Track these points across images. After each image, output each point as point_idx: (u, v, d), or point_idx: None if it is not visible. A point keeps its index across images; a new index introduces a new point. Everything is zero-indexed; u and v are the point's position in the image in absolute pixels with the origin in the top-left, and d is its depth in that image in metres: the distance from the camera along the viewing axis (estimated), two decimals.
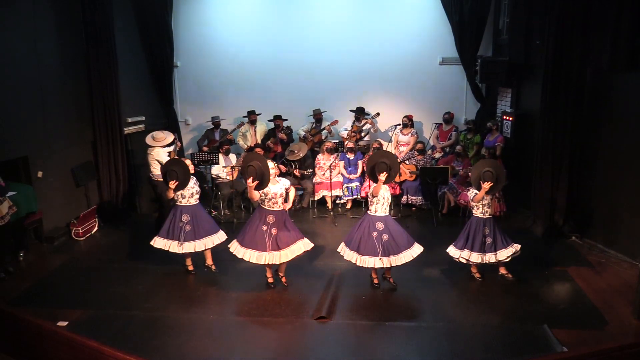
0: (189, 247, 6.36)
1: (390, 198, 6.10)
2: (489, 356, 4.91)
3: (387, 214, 6.08)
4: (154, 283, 6.49)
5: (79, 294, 6.20)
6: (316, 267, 6.66)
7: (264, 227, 5.97)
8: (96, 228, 8.33)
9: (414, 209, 9.21)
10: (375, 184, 5.98)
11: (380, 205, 6.00)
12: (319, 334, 5.36)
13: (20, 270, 6.79)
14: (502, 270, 6.35)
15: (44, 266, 7.01)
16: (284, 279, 6.30)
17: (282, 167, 8.86)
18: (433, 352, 5.02)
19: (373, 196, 5.99)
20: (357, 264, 6.05)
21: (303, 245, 6.11)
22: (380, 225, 5.97)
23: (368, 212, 6.09)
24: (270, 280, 6.27)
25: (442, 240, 7.02)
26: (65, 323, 5.41)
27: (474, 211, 6.23)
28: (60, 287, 6.41)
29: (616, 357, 4.67)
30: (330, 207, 9.23)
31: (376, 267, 6.00)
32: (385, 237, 5.93)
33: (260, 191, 5.92)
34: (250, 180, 5.77)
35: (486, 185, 5.92)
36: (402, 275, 6.31)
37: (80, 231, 7.94)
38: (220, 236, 6.55)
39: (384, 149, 9.26)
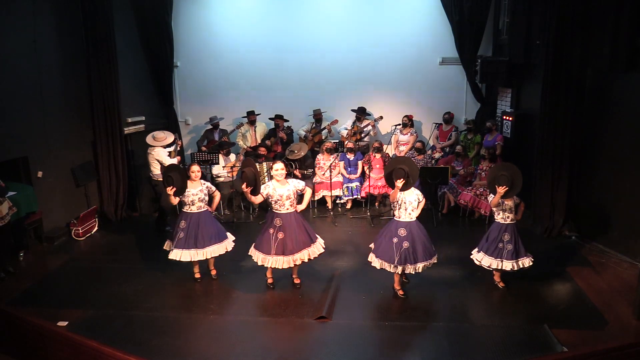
0: (175, 254, 6.21)
1: (416, 202, 5.80)
2: (489, 356, 4.91)
3: (413, 219, 5.82)
4: (154, 283, 6.48)
5: (79, 294, 6.20)
6: (316, 267, 6.66)
7: (271, 230, 5.95)
8: (96, 228, 8.32)
9: None
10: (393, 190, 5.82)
11: (404, 210, 5.78)
12: (319, 334, 5.35)
13: (20, 270, 6.79)
14: (496, 278, 6.20)
15: (44, 266, 7.02)
16: (296, 280, 6.28)
17: None
18: (433, 352, 5.02)
19: (391, 202, 5.90)
20: (372, 264, 6.01)
21: (308, 253, 6.02)
22: (402, 232, 5.76)
23: (394, 216, 5.91)
24: (270, 281, 6.26)
25: (441, 240, 7.03)
26: (65, 323, 5.41)
27: (495, 216, 6.15)
28: (60, 287, 6.41)
29: (616, 357, 4.69)
30: (330, 207, 9.22)
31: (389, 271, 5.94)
32: (405, 244, 5.75)
33: (265, 193, 5.92)
34: (244, 186, 5.84)
35: (501, 190, 5.76)
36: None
37: (80, 231, 7.94)
38: (214, 250, 6.27)
39: (384, 149, 9.26)
